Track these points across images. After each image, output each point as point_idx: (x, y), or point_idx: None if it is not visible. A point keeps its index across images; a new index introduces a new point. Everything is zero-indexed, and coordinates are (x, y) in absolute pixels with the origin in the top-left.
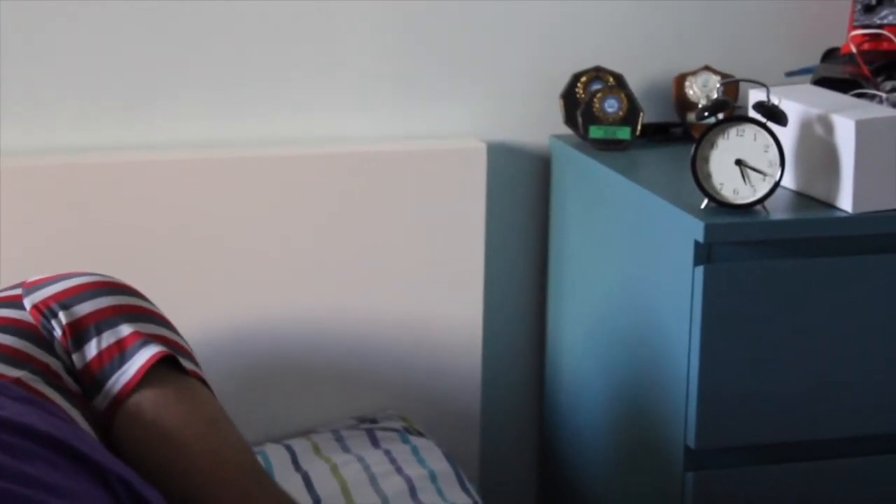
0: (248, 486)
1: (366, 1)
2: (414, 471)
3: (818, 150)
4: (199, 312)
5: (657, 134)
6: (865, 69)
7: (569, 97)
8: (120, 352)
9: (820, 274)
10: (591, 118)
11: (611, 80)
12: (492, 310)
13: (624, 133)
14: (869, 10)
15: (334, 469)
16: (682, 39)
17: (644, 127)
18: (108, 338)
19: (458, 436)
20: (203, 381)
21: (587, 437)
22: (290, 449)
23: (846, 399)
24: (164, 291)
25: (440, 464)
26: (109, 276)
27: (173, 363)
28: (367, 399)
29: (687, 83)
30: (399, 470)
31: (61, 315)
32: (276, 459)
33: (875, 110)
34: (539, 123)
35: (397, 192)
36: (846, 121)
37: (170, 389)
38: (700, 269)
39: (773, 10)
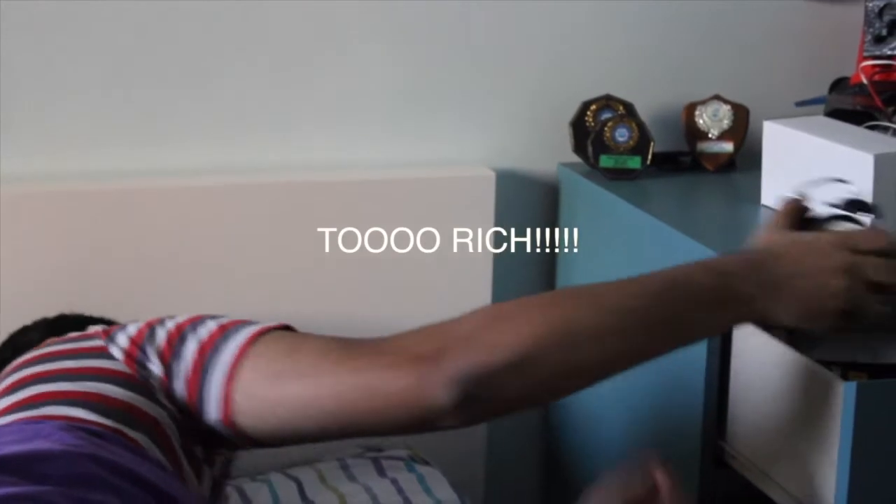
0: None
1: (375, 30)
2: (421, 500)
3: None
4: None
5: (666, 163)
6: (878, 100)
7: (578, 125)
8: (203, 368)
9: None
10: (602, 147)
11: (621, 108)
12: None
13: (634, 162)
14: (879, 40)
15: (342, 500)
16: (692, 68)
17: (653, 156)
18: (188, 353)
19: (463, 464)
20: (274, 329)
21: (597, 466)
22: (296, 479)
23: None
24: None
25: (446, 493)
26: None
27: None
28: None
29: (697, 112)
30: (406, 500)
31: (151, 348)
32: (282, 491)
33: (891, 143)
34: (547, 151)
35: (405, 219)
36: (864, 154)
37: (255, 377)
38: None
39: (782, 40)
